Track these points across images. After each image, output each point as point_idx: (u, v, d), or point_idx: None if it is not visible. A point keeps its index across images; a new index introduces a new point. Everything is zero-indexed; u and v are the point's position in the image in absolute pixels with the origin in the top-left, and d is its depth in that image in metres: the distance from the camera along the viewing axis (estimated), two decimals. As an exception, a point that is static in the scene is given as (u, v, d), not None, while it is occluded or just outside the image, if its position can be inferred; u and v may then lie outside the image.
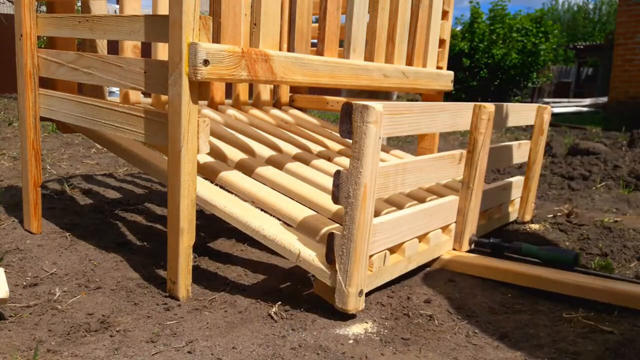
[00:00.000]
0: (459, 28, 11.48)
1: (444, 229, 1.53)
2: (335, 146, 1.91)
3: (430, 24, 1.93)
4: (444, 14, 2.05)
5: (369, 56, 1.71)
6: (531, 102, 12.44)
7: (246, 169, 1.49)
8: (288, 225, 1.28)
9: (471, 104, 1.51)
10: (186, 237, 1.19)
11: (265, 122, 1.92)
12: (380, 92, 2.52)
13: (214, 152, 1.55)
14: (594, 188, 2.71)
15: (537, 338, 1.13)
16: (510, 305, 1.29)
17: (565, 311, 1.27)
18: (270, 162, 1.58)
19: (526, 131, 6.44)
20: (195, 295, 1.25)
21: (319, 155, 1.76)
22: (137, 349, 1.00)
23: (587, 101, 10.04)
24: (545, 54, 10.87)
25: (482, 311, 1.25)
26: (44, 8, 1.78)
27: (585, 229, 1.92)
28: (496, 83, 10.99)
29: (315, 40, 1.59)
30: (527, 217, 2.02)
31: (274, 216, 1.30)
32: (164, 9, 1.63)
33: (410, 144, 4.72)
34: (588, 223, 1.98)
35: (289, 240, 1.20)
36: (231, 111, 1.97)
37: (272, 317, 1.15)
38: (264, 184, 1.42)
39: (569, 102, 10.17)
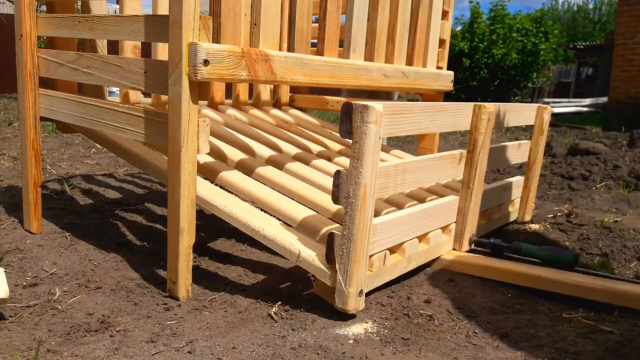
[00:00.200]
0: (459, 28, 11.48)
1: (444, 229, 1.53)
2: (335, 146, 1.91)
3: (430, 24, 1.93)
4: (444, 14, 2.05)
5: (369, 56, 1.71)
6: (531, 102, 12.44)
7: (246, 169, 1.49)
8: (288, 225, 1.28)
9: (471, 104, 1.51)
10: (186, 237, 1.19)
11: (265, 122, 1.92)
12: (381, 92, 2.52)
13: (214, 152, 1.55)
14: (594, 188, 2.71)
15: (537, 338, 1.13)
16: (510, 305, 1.30)
17: (565, 311, 1.27)
18: (270, 162, 1.58)
19: (526, 131, 6.44)
20: (195, 295, 1.25)
21: (319, 155, 1.76)
22: (137, 348, 1.00)
23: (587, 101, 10.04)
24: (545, 54, 10.88)
25: (482, 311, 1.25)
26: (44, 8, 1.78)
27: (585, 229, 1.92)
28: (496, 83, 11.00)
29: (315, 40, 1.59)
30: (527, 217, 2.02)
31: (274, 216, 1.30)
32: (164, 9, 1.63)
33: (410, 144, 4.72)
34: (588, 223, 1.98)
35: (289, 240, 1.20)
36: (231, 111, 1.97)
37: (272, 317, 1.15)
38: (264, 184, 1.42)
39: (569, 102, 10.18)
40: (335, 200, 1.13)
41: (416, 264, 1.41)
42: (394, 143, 4.66)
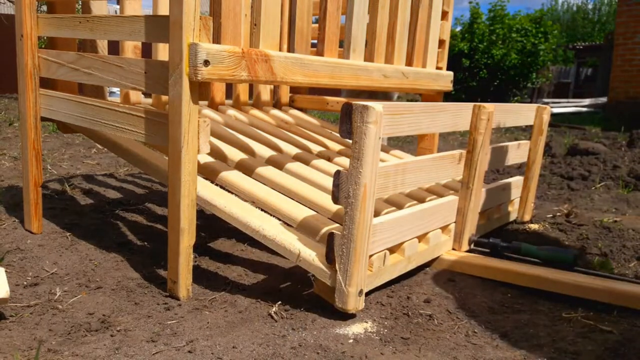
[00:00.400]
0: (458, 28, 11.49)
1: (444, 228, 1.53)
2: (335, 146, 1.92)
3: (430, 25, 1.94)
4: (444, 15, 2.06)
5: (369, 56, 1.71)
6: (530, 102, 12.45)
7: (246, 169, 1.49)
8: (288, 225, 1.28)
9: (471, 104, 1.51)
10: (186, 237, 1.20)
11: (265, 123, 1.93)
12: (380, 92, 2.53)
13: (214, 152, 1.55)
14: (593, 188, 2.71)
15: (536, 338, 1.13)
16: (510, 305, 1.30)
17: (564, 311, 1.27)
18: (270, 162, 1.58)
19: (526, 131, 6.45)
20: (196, 295, 1.25)
21: (319, 156, 1.76)
22: (137, 348, 1.00)
23: (587, 101, 10.04)
24: (544, 54, 10.88)
25: (481, 311, 1.26)
26: (44, 8, 1.78)
27: (584, 229, 1.92)
28: (496, 83, 11.00)
29: (315, 41, 1.60)
30: (527, 217, 2.02)
31: (274, 216, 1.30)
32: (164, 10, 1.63)
33: (410, 144, 4.72)
34: (587, 223, 1.98)
35: (289, 240, 1.20)
36: (231, 111, 1.97)
37: (272, 317, 1.16)
38: (264, 184, 1.42)
39: (568, 102, 10.18)
40: (335, 200, 1.13)
41: (416, 264, 1.41)
42: (394, 143, 4.66)
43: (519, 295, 1.36)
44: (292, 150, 1.72)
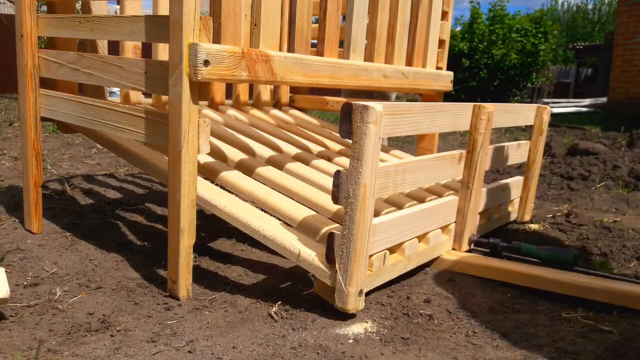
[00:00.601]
0: (458, 28, 11.49)
1: (444, 228, 1.53)
2: (335, 146, 1.92)
3: (430, 25, 1.94)
4: (444, 15, 2.06)
5: (369, 56, 1.71)
6: (530, 102, 12.45)
7: (246, 169, 1.49)
8: (288, 225, 1.28)
9: (471, 104, 1.51)
10: (186, 237, 1.20)
11: (265, 123, 1.93)
12: (375, 92, 2.53)
13: (215, 152, 1.55)
14: (593, 188, 2.71)
15: (536, 338, 1.13)
16: (510, 305, 1.30)
17: (564, 311, 1.27)
18: (270, 162, 1.58)
19: (525, 131, 6.45)
20: (196, 295, 1.26)
21: (319, 156, 1.77)
22: (137, 348, 1.00)
23: (587, 101, 10.05)
24: (544, 54, 10.88)
25: (481, 311, 1.26)
26: (44, 8, 1.79)
27: (584, 229, 1.92)
28: (496, 83, 11.00)
29: (315, 41, 1.60)
30: (527, 217, 2.02)
31: (274, 216, 1.30)
32: (164, 10, 1.63)
33: (410, 144, 4.72)
34: (587, 223, 1.98)
35: (289, 240, 1.20)
36: (231, 111, 1.97)
37: (272, 317, 1.16)
38: (264, 184, 1.42)
39: (568, 102, 10.18)
40: (335, 200, 1.14)
41: (416, 264, 1.41)
42: (394, 143, 4.66)
43: (519, 295, 1.36)
44: (292, 150, 1.72)
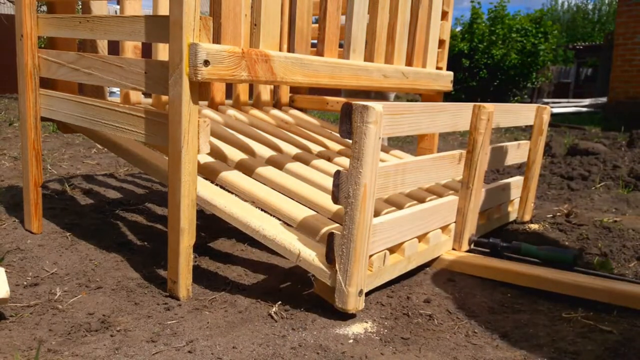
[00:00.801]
0: (458, 29, 11.49)
1: (444, 228, 1.53)
2: (335, 146, 1.92)
3: (430, 25, 1.94)
4: (444, 15, 2.06)
5: (369, 56, 1.71)
6: (530, 102, 12.45)
7: (246, 169, 1.49)
8: (288, 225, 1.28)
9: (471, 104, 1.51)
10: (186, 237, 1.20)
11: (265, 123, 1.93)
12: (373, 92, 2.53)
13: (214, 152, 1.55)
14: (593, 188, 2.71)
15: (536, 338, 1.13)
16: (510, 305, 1.30)
17: (564, 311, 1.27)
18: (270, 162, 1.58)
19: (525, 131, 6.45)
20: (196, 295, 1.26)
21: (319, 156, 1.77)
22: (137, 348, 1.00)
23: (587, 101, 10.05)
24: (544, 54, 10.88)
25: (481, 311, 1.26)
26: (44, 8, 1.79)
27: (584, 229, 1.92)
28: (496, 83, 11.00)
29: (315, 41, 1.60)
30: (527, 217, 2.02)
31: (274, 216, 1.30)
32: (164, 10, 1.63)
33: (410, 144, 4.72)
34: (587, 223, 1.98)
35: (289, 240, 1.20)
36: (231, 111, 1.97)
37: (272, 317, 1.16)
38: (264, 184, 1.42)
39: (568, 102, 10.18)
40: (335, 200, 1.14)
41: (416, 264, 1.41)
42: (394, 143, 4.66)
43: (519, 295, 1.36)
44: (292, 150, 1.72)
